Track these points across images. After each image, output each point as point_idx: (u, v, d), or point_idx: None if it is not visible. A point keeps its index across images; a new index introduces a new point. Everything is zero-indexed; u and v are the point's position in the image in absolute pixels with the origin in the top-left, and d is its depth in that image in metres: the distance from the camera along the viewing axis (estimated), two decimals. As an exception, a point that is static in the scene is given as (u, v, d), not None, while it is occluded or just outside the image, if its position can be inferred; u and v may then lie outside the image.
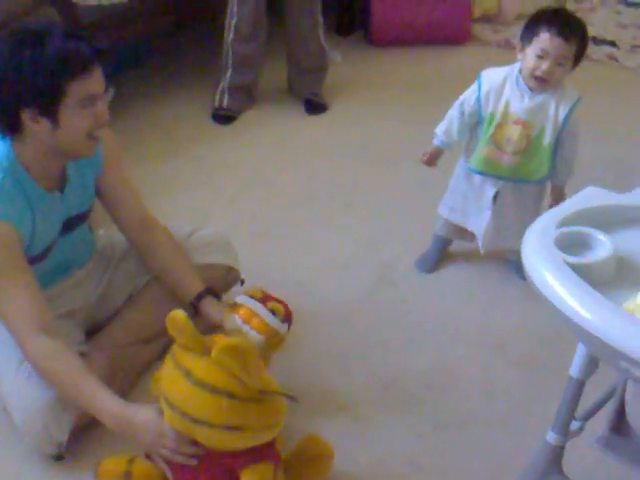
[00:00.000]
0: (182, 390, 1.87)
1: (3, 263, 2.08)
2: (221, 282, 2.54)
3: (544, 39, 2.47)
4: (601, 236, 1.59)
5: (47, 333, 2.06)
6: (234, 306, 2.17)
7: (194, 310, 2.35)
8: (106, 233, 2.63)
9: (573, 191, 1.87)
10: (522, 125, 2.56)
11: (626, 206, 1.70)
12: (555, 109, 2.55)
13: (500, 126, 2.58)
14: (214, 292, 2.39)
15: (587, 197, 1.73)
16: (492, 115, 2.59)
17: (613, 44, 4.51)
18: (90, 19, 3.67)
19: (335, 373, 2.49)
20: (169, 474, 1.98)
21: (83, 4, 3.66)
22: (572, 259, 1.53)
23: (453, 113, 2.68)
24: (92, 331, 2.47)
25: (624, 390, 1.88)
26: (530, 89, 2.56)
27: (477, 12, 4.76)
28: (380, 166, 3.52)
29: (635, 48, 4.48)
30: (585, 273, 1.51)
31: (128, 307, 2.52)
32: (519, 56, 2.57)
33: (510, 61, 2.65)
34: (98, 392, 2.01)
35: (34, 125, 2.04)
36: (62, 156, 2.17)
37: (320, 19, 3.87)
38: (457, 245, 2.99)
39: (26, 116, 2.02)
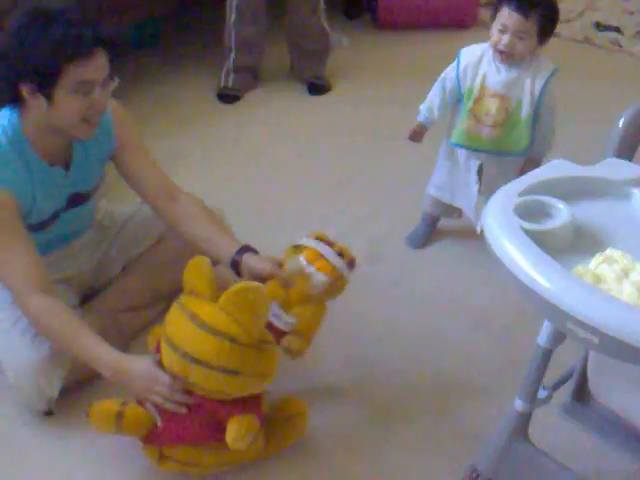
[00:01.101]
0: (186, 331, 1.94)
1: (4, 227, 2.14)
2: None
3: (504, 14, 2.55)
4: (559, 204, 1.65)
5: (44, 291, 2.13)
6: (297, 247, 2.17)
7: (234, 268, 2.27)
8: (107, 204, 2.70)
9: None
10: (499, 98, 2.62)
11: (588, 177, 1.75)
12: (532, 82, 2.61)
13: (478, 100, 2.64)
14: (252, 248, 2.31)
15: (552, 168, 1.78)
16: (470, 90, 2.66)
17: (618, 30, 4.53)
18: (96, 1, 3.74)
19: (318, 341, 2.56)
20: (158, 420, 2.04)
21: (91, -16, 3.75)
22: (528, 225, 1.59)
23: (435, 89, 2.75)
24: (87, 298, 2.55)
25: (586, 359, 1.93)
26: (504, 63, 2.62)
27: (484, -3, 4.81)
28: (378, 147, 3.59)
29: (639, 34, 4.50)
30: (541, 239, 1.56)
31: (123, 275, 2.61)
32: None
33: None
34: (96, 344, 2.08)
35: (32, 100, 2.10)
36: (59, 134, 2.22)
37: (321, 2, 3.92)
38: (446, 223, 3.06)
39: (25, 90, 2.09)
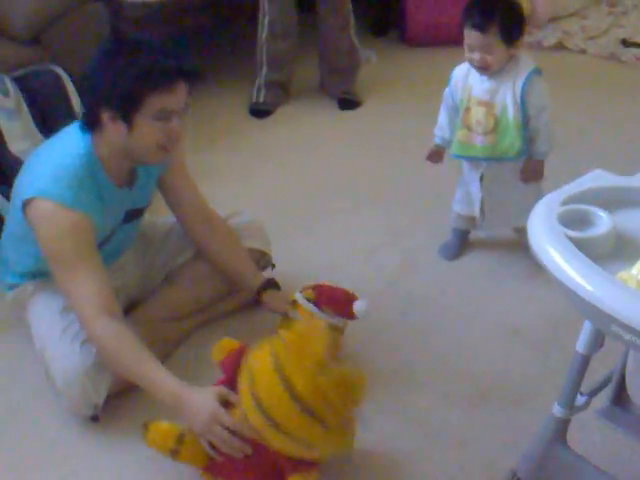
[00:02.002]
0: (279, 400, 1.90)
1: (79, 249, 2.20)
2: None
3: (467, 34, 2.64)
4: (601, 213, 1.69)
5: (111, 316, 2.18)
6: (295, 304, 2.42)
7: (256, 299, 2.55)
8: (147, 215, 2.76)
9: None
10: (485, 105, 2.72)
11: (628, 188, 1.80)
12: (512, 84, 2.69)
13: (468, 110, 2.76)
14: (275, 284, 2.56)
15: (593, 178, 1.83)
16: (461, 101, 2.78)
17: (642, 46, 4.59)
18: (135, 15, 3.83)
19: (360, 350, 2.62)
20: (216, 458, 2.04)
21: (128, 1, 3.84)
22: (572, 233, 1.64)
23: (441, 109, 2.87)
24: (130, 308, 2.60)
25: (625, 364, 1.97)
26: (485, 75, 2.71)
27: (510, 14, 4.85)
28: (409, 160, 3.62)
29: (664, 51, 4.55)
30: (585, 246, 1.61)
31: (165, 285, 2.67)
32: None
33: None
34: (159, 371, 2.11)
35: (111, 124, 2.17)
36: (132, 159, 2.30)
37: (351, 18, 3.99)
38: (477, 234, 3.11)
39: (106, 115, 2.16)
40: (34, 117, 3.06)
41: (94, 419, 2.35)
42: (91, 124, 2.22)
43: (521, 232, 2.87)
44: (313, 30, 4.04)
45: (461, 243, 3.07)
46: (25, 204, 2.22)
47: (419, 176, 3.51)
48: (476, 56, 2.65)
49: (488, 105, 2.71)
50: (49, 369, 2.34)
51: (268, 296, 2.54)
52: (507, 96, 2.69)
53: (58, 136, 2.36)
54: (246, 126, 3.94)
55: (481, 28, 2.60)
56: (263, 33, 3.93)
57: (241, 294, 2.69)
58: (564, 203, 1.74)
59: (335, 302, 2.41)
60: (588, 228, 1.69)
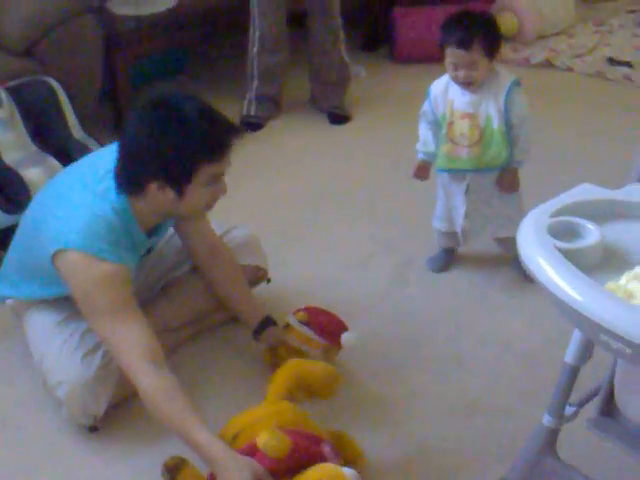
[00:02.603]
0: None
1: (120, 300, 2.18)
2: (249, 280, 2.71)
3: (450, 53, 2.69)
4: (589, 225, 1.73)
5: (158, 365, 2.14)
6: (289, 328, 2.51)
7: (255, 336, 2.58)
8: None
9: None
10: (469, 118, 2.75)
11: (615, 201, 1.84)
12: (495, 96, 2.73)
13: (451, 124, 2.79)
14: (272, 321, 2.58)
15: (581, 191, 1.86)
16: (443, 116, 2.80)
17: (629, 65, 4.63)
18: (125, 29, 3.86)
19: (349, 361, 2.64)
20: None
21: (121, 14, 3.87)
22: (562, 244, 1.67)
23: (422, 126, 2.90)
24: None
25: (613, 375, 2.01)
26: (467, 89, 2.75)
27: (498, 32, 4.91)
28: (399, 173, 3.65)
29: (651, 69, 4.60)
30: (574, 258, 1.64)
31: (161, 298, 2.68)
32: None
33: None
34: (201, 431, 2.04)
35: (158, 193, 2.14)
36: (174, 218, 2.33)
37: (342, 34, 4.03)
38: (468, 247, 3.14)
39: (154, 185, 2.13)
40: (27, 128, 3.09)
41: (93, 429, 2.37)
42: (133, 190, 2.18)
43: (504, 243, 2.94)
44: (304, 44, 4.08)
45: (448, 257, 3.11)
46: (57, 253, 2.18)
47: (409, 188, 3.52)
48: (461, 74, 2.70)
49: (472, 117, 2.75)
50: (47, 380, 2.35)
51: (266, 335, 2.56)
52: (490, 107, 2.73)
53: (87, 175, 2.27)
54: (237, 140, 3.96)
55: (465, 46, 2.64)
56: (254, 47, 3.96)
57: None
58: (553, 215, 1.77)
59: (325, 329, 2.48)
60: (577, 240, 1.73)
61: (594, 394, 2.14)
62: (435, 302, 2.93)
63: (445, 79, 2.82)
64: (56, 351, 2.35)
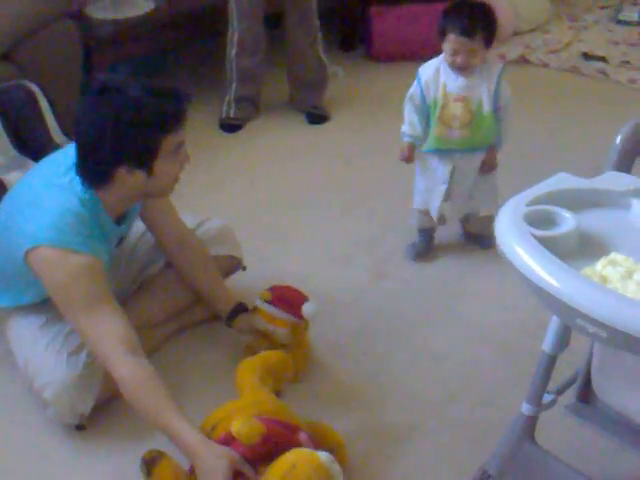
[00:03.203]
0: None
1: (95, 291, 2.20)
2: (225, 270, 2.76)
3: (452, 40, 2.80)
4: (565, 213, 1.76)
5: (135, 354, 2.16)
6: (256, 310, 2.57)
7: (227, 322, 2.62)
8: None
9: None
10: (462, 101, 2.87)
11: (591, 189, 1.87)
12: (487, 81, 2.87)
13: (444, 107, 2.89)
14: (244, 306, 2.62)
15: (557, 181, 1.90)
16: (435, 100, 2.90)
17: (604, 60, 4.69)
18: (104, 33, 3.88)
19: (330, 358, 2.68)
20: None
21: (99, 18, 3.89)
22: (538, 232, 1.70)
23: (408, 109, 2.97)
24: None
25: (590, 362, 2.04)
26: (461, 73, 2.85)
27: (474, 29, 4.95)
28: (377, 171, 3.71)
29: (625, 63, 4.65)
30: (550, 245, 1.67)
31: (139, 295, 2.70)
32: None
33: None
34: (178, 422, 2.07)
35: (128, 177, 2.16)
36: (145, 198, 2.33)
37: (319, 35, 4.06)
38: (446, 240, 3.21)
39: (122, 170, 2.15)
40: (7, 132, 3.09)
41: (79, 428, 2.38)
42: (100, 181, 2.19)
43: (482, 225, 3.09)
44: (281, 45, 4.11)
45: (427, 243, 3.17)
46: (29, 252, 2.19)
47: (388, 185, 3.58)
48: (459, 59, 2.81)
49: (465, 100, 2.87)
50: (34, 383, 2.36)
51: (239, 321, 2.60)
52: (482, 92, 2.87)
53: (53, 173, 2.28)
54: (217, 141, 3.99)
55: (469, 34, 2.76)
56: (232, 50, 3.98)
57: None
58: (530, 204, 1.80)
59: (286, 302, 2.53)
60: (553, 228, 1.76)
61: (571, 382, 2.18)
62: (414, 296, 2.96)
63: (434, 63, 2.91)
64: (41, 353, 2.36)
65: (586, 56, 4.74)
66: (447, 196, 3.01)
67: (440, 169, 2.99)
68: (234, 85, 4.05)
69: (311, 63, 4.11)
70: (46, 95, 3.21)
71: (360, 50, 4.89)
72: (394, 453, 2.35)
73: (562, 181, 1.91)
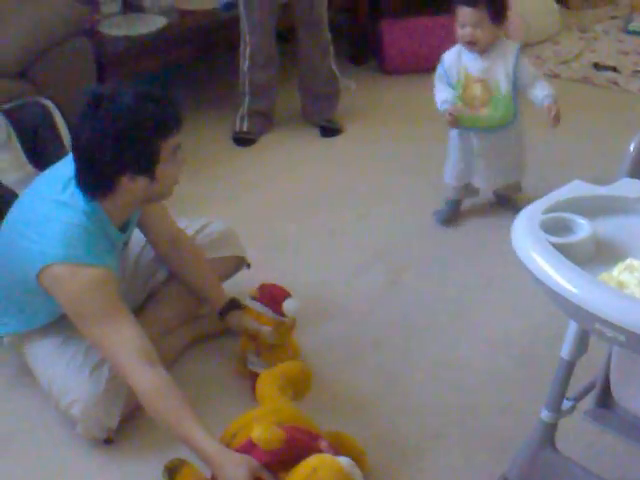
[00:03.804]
0: None
1: (109, 302, 2.22)
2: (230, 270, 2.82)
3: (458, 12, 3.05)
4: (581, 220, 1.78)
5: (153, 364, 2.18)
6: (245, 308, 2.60)
7: (221, 322, 2.64)
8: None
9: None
10: (481, 82, 3.10)
11: (606, 196, 1.88)
12: (504, 63, 3.09)
13: (466, 87, 3.13)
14: (237, 303, 2.63)
15: (572, 188, 1.91)
16: (459, 81, 3.14)
17: (615, 69, 4.70)
18: (117, 49, 3.91)
19: (348, 367, 2.69)
20: None
21: (112, 35, 3.92)
22: (554, 239, 1.72)
23: (439, 86, 3.19)
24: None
25: (608, 366, 2.05)
26: (474, 52, 3.05)
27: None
28: (391, 181, 3.73)
29: (636, 73, 4.66)
30: (567, 252, 1.69)
31: (152, 303, 2.73)
32: None
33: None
34: (197, 431, 2.08)
35: (130, 184, 2.19)
36: (147, 203, 2.36)
37: (331, 49, 4.09)
38: (457, 251, 3.23)
39: (124, 179, 2.17)
40: (24, 149, 3.12)
41: (107, 442, 2.39)
42: (103, 191, 2.21)
43: (511, 189, 3.40)
44: (293, 59, 4.14)
45: (455, 209, 3.41)
46: (40, 273, 2.20)
47: (402, 197, 3.60)
48: (466, 31, 3.02)
49: (483, 82, 3.09)
50: (60, 402, 2.37)
51: (231, 318, 2.61)
52: (500, 73, 3.08)
53: (53, 191, 2.28)
54: (230, 155, 4.01)
55: (473, 4, 2.98)
56: (245, 64, 4.01)
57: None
58: (545, 212, 1.81)
59: (270, 299, 2.56)
60: (569, 235, 1.77)
61: (590, 388, 2.19)
62: (429, 306, 2.97)
63: (456, 49, 3.14)
64: (62, 372, 2.37)
65: (597, 66, 4.76)
66: (481, 170, 3.23)
67: (475, 144, 3.20)
68: (247, 99, 4.08)
69: (323, 76, 4.13)
70: (61, 111, 3.24)
71: (371, 63, 4.92)
72: (414, 462, 2.35)
73: (577, 189, 1.92)
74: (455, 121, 3.13)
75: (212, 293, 2.67)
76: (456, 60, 3.13)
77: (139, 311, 2.69)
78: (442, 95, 3.15)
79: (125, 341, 2.18)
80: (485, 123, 3.15)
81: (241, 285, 2.85)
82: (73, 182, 2.24)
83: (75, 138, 2.23)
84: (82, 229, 2.20)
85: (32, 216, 2.28)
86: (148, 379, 2.15)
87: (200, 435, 2.08)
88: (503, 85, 3.08)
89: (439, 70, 3.17)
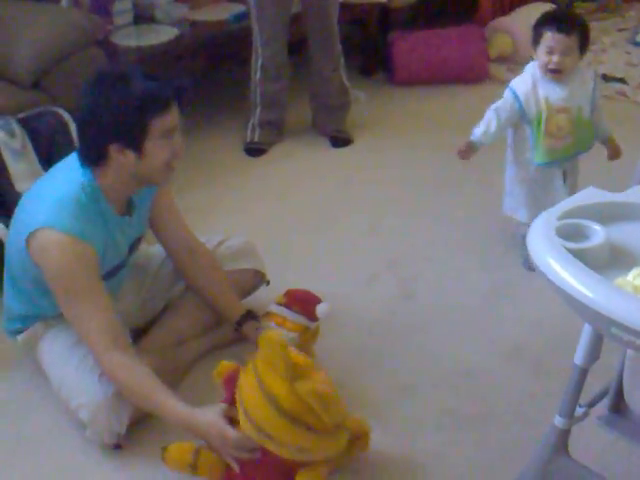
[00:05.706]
0: (265, 413, 2.08)
1: (86, 283, 2.27)
2: (249, 284, 2.83)
3: (548, 37, 2.93)
4: (595, 226, 1.80)
5: (122, 349, 2.27)
6: (268, 314, 2.54)
7: (236, 330, 2.66)
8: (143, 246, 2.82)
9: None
10: (564, 111, 2.99)
11: (619, 203, 1.91)
12: (584, 88, 3.03)
13: (549, 118, 2.99)
14: (253, 315, 2.66)
15: (586, 195, 1.94)
16: (539, 113, 2.99)
17: (623, 81, 4.73)
18: (129, 60, 3.94)
19: (362, 376, 2.70)
20: (235, 467, 2.17)
21: (124, 45, 3.96)
22: (570, 245, 1.74)
23: (491, 117, 3.03)
24: (133, 337, 2.64)
25: (622, 372, 2.06)
26: (555, 80, 2.96)
27: (493, 53, 5.00)
28: (402, 192, 3.75)
29: (644, 84, 4.70)
30: (582, 257, 1.71)
31: (169, 313, 2.75)
32: (534, 56, 2.98)
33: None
34: (167, 400, 2.21)
35: (120, 156, 2.25)
36: (139, 183, 2.38)
37: (342, 60, 4.12)
38: (478, 258, 3.24)
39: (113, 149, 2.24)
40: (39, 157, 3.14)
41: (117, 447, 2.40)
42: (96, 159, 2.28)
43: None
44: (304, 71, 4.17)
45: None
46: (29, 238, 2.26)
47: (414, 207, 3.61)
48: (555, 58, 2.92)
49: (567, 110, 2.99)
50: (69, 404, 2.39)
51: (247, 328, 2.64)
52: (582, 99, 3.02)
53: (55, 171, 2.43)
54: (242, 165, 4.04)
55: (567, 31, 2.90)
56: (256, 75, 4.04)
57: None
58: (560, 218, 1.84)
59: (301, 303, 2.55)
60: (584, 241, 1.79)
61: (603, 395, 2.20)
62: (443, 315, 2.98)
63: (528, 78, 3.02)
64: (72, 375, 2.39)
65: (605, 77, 4.79)
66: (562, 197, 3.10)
67: (555, 178, 3.10)
68: (258, 110, 4.11)
69: (334, 88, 4.16)
70: (75, 120, 3.27)
71: (381, 75, 4.95)
72: (430, 469, 2.36)
73: (591, 195, 1.94)
74: (466, 154, 3.09)
75: (228, 304, 2.70)
76: (532, 90, 2.99)
77: (155, 320, 2.74)
78: (482, 128, 3.05)
79: (98, 325, 2.26)
80: (570, 152, 3.08)
81: (254, 295, 2.89)
82: (75, 159, 2.33)
83: (78, 106, 2.32)
84: (75, 202, 2.26)
85: (33, 192, 2.41)
86: (117, 359, 2.25)
87: (172, 402, 2.20)
88: (585, 110, 3.02)
89: (501, 102, 3.03)
